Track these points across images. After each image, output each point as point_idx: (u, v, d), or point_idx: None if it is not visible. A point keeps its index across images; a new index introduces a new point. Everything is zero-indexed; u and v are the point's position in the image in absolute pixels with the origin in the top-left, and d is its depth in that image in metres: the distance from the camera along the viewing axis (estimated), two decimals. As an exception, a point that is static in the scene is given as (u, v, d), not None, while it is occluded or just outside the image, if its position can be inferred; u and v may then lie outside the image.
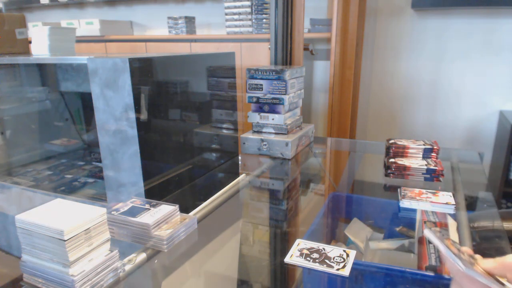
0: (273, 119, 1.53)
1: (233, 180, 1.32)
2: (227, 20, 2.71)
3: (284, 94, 1.49)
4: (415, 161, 1.25)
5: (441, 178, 1.19)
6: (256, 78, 1.52)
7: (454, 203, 0.99)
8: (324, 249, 0.82)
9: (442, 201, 1.00)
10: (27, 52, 1.65)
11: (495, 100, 2.26)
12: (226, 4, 2.68)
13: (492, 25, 2.16)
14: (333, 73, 2.22)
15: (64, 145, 1.78)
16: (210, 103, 1.37)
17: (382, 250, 1.02)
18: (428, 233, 0.54)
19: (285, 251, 0.82)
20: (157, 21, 3.27)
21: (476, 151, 1.52)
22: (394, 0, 2.37)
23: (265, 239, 1.08)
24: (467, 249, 0.53)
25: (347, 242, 1.07)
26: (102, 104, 1.03)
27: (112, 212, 0.88)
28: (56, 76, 1.72)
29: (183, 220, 0.91)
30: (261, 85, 1.52)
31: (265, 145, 1.51)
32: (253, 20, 2.63)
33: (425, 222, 0.89)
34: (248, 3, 2.60)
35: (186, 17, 2.94)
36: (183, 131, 1.21)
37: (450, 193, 1.05)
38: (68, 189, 1.42)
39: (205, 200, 1.16)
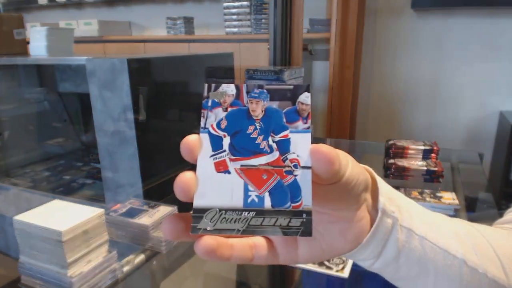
0: (272, 119, 1.53)
1: (232, 181, 1.31)
2: (225, 20, 2.71)
3: (283, 95, 1.49)
4: (415, 162, 1.24)
5: (440, 179, 1.18)
6: (255, 79, 1.52)
7: (458, 203, 0.98)
8: (323, 250, 0.82)
9: (444, 201, 1.00)
10: (25, 52, 1.65)
11: (495, 100, 2.25)
12: (225, 4, 2.68)
13: (493, 25, 2.16)
14: (333, 73, 2.22)
15: (62, 146, 1.77)
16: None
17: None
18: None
19: (284, 252, 0.82)
20: (155, 22, 3.27)
21: (476, 151, 1.52)
22: (394, 0, 2.37)
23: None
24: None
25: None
26: (100, 105, 1.02)
27: (111, 213, 0.87)
28: (54, 76, 1.72)
29: (182, 221, 0.90)
30: (260, 85, 1.51)
31: (264, 145, 1.51)
32: (252, 20, 2.63)
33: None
34: (247, 3, 2.60)
35: (184, 18, 2.94)
36: (181, 132, 1.21)
37: (453, 194, 1.05)
38: (66, 190, 1.42)
39: (204, 201, 1.16)
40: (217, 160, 0.29)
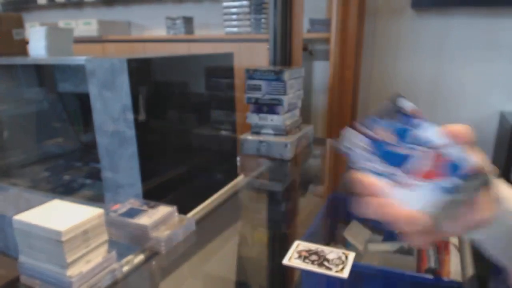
0: (272, 120, 1.53)
1: (232, 181, 1.31)
2: (225, 20, 2.70)
3: (283, 95, 1.49)
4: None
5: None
6: (255, 79, 1.52)
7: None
8: (323, 251, 0.82)
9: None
10: (24, 52, 1.65)
11: (496, 100, 2.25)
12: (225, 4, 2.67)
13: (493, 25, 2.16)
14: (333, 73, 2.21)
15: (62, 146, 1.77)
16: (208, 104, 1.37)
17: (381, 252, 1.02)
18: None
19: (283, 253, 0.82)
20: (155, 21, 3.27)
21: (476, 152, 1.52)
22: None
23: (264, 241, 1.07)
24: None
25: (346, 244, 1.07)
26: (100, 105, 1.02)
27: (110, 213, 0.87)
28: (53, 76, 1.71)
29: (181, 221, 0.91)
30: (260, 85, 1.52)
31: (264, 146, 1.51)
32: (252, 20, 2.62)
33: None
34: (247, 2, 2.59)
35: (184, 17, 2.94)
36: (181, 132, 1.21)
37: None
38: (66, 190, 1.42)
39: (203, 201, 1.16)
40: (399, 181, 0.35)
